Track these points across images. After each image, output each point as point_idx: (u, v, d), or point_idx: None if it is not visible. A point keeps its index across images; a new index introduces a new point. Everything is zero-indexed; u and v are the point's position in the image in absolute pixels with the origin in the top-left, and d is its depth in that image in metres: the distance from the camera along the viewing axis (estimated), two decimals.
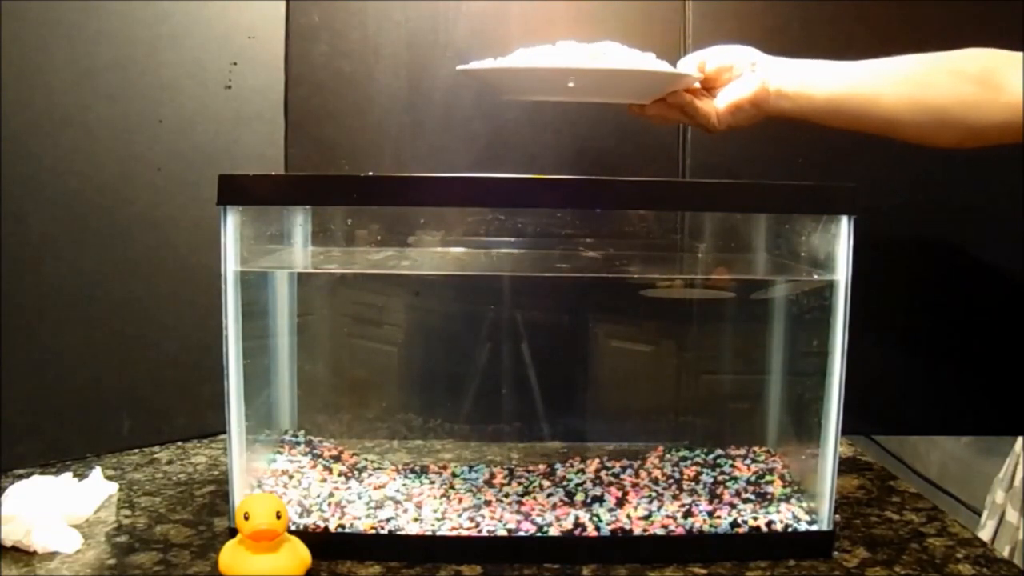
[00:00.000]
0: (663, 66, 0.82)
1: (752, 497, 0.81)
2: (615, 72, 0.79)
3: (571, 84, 0.79)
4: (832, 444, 0.75)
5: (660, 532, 0.75)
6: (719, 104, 0.83)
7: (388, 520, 0.76)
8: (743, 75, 0.83)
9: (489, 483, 0.85)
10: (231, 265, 0.72)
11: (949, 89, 0.77)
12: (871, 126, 0.80)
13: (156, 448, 0.99)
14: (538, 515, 0.77)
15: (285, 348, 0.95)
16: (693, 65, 0.84)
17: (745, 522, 0.76)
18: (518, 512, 0.78)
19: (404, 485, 0.84)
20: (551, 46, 0.82)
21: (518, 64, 0.81)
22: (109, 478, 0.87)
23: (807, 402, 0.80)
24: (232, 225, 0.72)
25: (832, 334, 0.74)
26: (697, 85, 0.84)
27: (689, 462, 0.90)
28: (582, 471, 0.87)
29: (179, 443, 1.01)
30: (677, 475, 0.86)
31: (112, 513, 0.81)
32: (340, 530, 0.75)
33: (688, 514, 0.77)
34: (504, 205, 0.82)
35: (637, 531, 0.75)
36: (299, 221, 0.88)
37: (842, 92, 0.80)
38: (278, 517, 0.65)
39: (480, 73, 0.83)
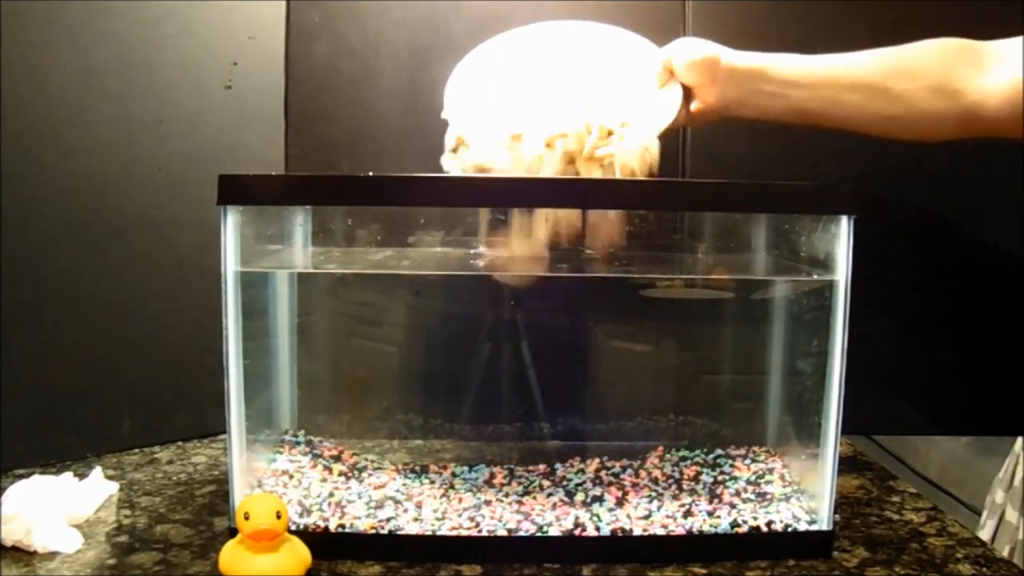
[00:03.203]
0: (652, 97, 0.83)
1: (752, 497, 0.81)
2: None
3: None
4: (832, 444, 0.75)
5: (660, 532, 0.75)
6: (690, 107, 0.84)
7: (388, 520, 0.76)
8: (703, 85, 0.82)
9: (489, 483, 0.85)
10: (231, 265, 0.72)
11: (908, 99, 0.76)
12: (837, 128, 0.81)
13: (156, 448, 0.99)
14: (538, 515, 0.77)
15: (285, 348, 0.95)
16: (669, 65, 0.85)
17: (745, 522, 0.76)
18: (518, 512, 0.78)
19: (404, 485, 0.84)
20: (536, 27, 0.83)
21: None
22: (109, 478, 0.87)
23: (807, 402, 0.80)
24: (232, 225, 0.72)
25: (832, 334, 0.74)
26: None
27: (689, 462, 0.90)
28: (582, 471, 0.87)
29: (179, 443, 1.01)
30: (677, 475, 0.86)
31: (112, 513, 0.82)
32: (340, 530, 0.75)
33: (688, 514, 0.77)
34: (504, 205, 0.82)
35: (637, 531, 0.75)
36: (299, 221, 0.88)
37: (804, 100, 0.80)
38: (278, 517, 0.65)
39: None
